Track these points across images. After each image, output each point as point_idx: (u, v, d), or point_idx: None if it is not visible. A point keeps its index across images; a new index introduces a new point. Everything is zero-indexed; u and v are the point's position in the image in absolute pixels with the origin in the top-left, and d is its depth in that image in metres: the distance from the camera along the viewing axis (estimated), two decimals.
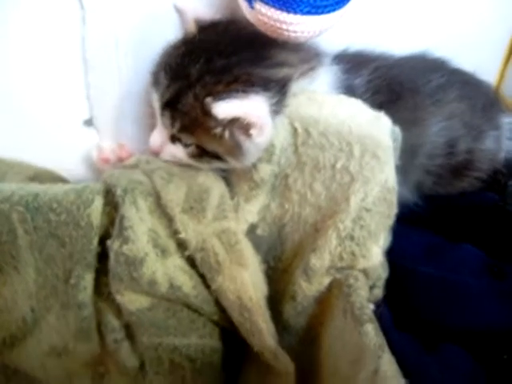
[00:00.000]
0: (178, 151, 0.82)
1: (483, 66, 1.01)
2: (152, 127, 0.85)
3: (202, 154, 0.80)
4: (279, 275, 0.85)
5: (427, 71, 0.94)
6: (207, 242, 0.79)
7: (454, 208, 0.91)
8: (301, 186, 0.81)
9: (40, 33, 0.83)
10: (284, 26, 0.70)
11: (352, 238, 0.78)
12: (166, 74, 0.79)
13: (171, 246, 0.81)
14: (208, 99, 0.74)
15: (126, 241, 0.78)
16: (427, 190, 0.93)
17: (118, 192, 0.80)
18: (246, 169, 0.82)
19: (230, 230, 0.79)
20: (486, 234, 0.87)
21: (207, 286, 0.80)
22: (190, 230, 0.79)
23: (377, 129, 0.78)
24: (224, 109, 0.73)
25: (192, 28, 0.83)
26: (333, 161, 0.78)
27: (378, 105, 0.82)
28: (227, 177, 0.85)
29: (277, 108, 0.77)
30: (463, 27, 1.02)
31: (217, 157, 0.80)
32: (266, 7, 0.69)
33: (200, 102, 0.75)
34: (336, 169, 0.78)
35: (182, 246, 0.80)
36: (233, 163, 0.80)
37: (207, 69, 0.76)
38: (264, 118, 0.75)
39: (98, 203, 0.81)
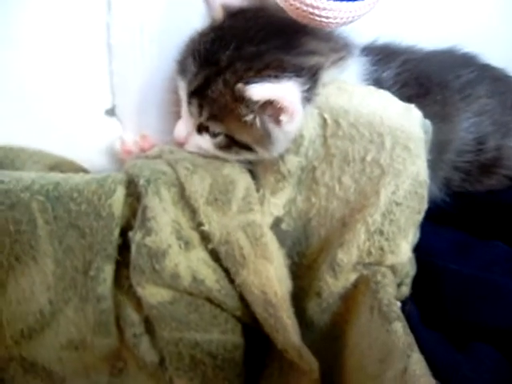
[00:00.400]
0: (204, 142, 0.80)
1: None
2: (176, 117, 0.83)
3: (231, 144, 0.78)
4: (304, 271, 0.83)
5: (457, 66, 0.92)
6: (232, 235, 0.77)
7: (483, 205, 0.89)
8: (329, 179, 0.79)
9: (65, 18, 0.81)
10: (316, 12, 0.68)
11: (381, 232, 0.76)
12: (194, 61, 0.77)
13: (195, 238, 0.78)
14: (239, 85, 0.73)
15: (148, 232, 0.76)
16: (455, 187, 0.91)
17: (141, 182, 0.78)
18: (273, 160, 0.80)
19: (255, 223, 0.77)
20: None
21: (231, 281, 0.78)
22: (214, 223, 0.77)
23: (408, 121, 0.76)
24: (258, 91, 0.72)
25: (219, 15, 0.82)
26: (363, 153, 0.76)
27: (407, 98, 0.79)
28: (253, 169, 0.83)
29: (308, 95, 0.75)
30: (492, 22, 1.00)
31: (245, 147, 0.78)
32: None
33: (230, 89, 0.74)
34: (366, 161, 0.76)
35: (205, 238, 0.78)
36: (261, 153, 0.78)
37: (237, 55, 0.75)
38: (295, 104, 0.73)
39: (120, 193, 0.79)
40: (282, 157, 0.80)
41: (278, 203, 0.81)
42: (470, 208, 0.89)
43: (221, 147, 0.79)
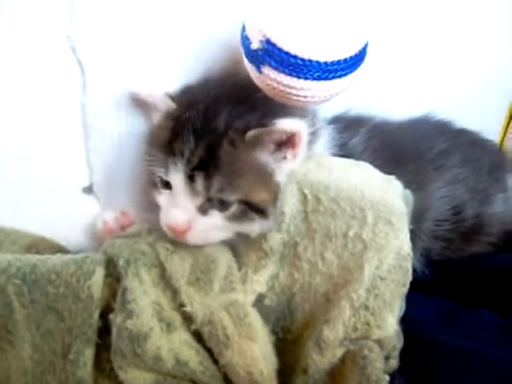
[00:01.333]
0: (212, 221, 0.77)
1: (487, 124, 0.99)
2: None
3: (246, 210, 0.76)
4: (288, 347, 0.80)
5: (430, 136, 0.93)
6: (215, 315, 0.74)
7: (467, 273, 0.88)
8: (311, 254, 0.78)
9: (40, 98, 0.80)
10: (294, 92, 0.67)
11: (366, 307, 0.74)
12: (187, 138, 0.75)
13: (176, 319, 0.76)
14: (250, 132, 0.73)
15: (129, 315, 0.74)
16: (436, 256, 0.90)
17: (121, 263, 0.76)
18: (255, 238, 0.79)
19: (238, 303, 0.75)
20: (502, 297, 0.83)
21: (215, 361, 0.75)
22: (196, 303, 0.75)
23: (389, 193, 0.75)
24: (283, 122, 0.72)
25: (168, 104, 0.81)
26: (345, 229, 0.75)
27: (379, 164, 0.79)
28: (234, 247, 0.81)
29: (312, 139, 0.78)
30: (466, 86, 1.00)
31: (260, 211, 0.76)
32: (275, 72, 0.67)
33: (240, 144, 0.74)
34: (348, 237, 0.75)
35: (187, 319, 0.76)
36: (272, 217, 0.77)
37: (232, 117, 0.75)
38: (305, 139, 0.75)
39: (99, 274, 0.77)
40: (263, 234, 0.79)
41: (260, 280, 0.80)
42: (453, 276, 0.88)
43: (235, 217, 0.76)
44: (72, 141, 0.83)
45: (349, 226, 0.75)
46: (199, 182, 0.74)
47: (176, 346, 0.74)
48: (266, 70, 0.67)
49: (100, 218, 0.88)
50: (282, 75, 0.66)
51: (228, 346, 0.73)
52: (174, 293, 0.77)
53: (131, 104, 0.83)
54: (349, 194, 0.74)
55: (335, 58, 0.65)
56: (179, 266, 0.76)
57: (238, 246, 0.81)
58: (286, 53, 0.65)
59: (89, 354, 0.77)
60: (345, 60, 0.66)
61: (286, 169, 0.77)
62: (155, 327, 0.74)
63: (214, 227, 0.77)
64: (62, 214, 0.89)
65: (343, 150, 0.82)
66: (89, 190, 0.87)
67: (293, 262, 0.79)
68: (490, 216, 0.92)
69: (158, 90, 0.81)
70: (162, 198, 0.79)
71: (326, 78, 0.66)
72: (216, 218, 0.77)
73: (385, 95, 0.94)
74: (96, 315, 0.77)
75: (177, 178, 0.75)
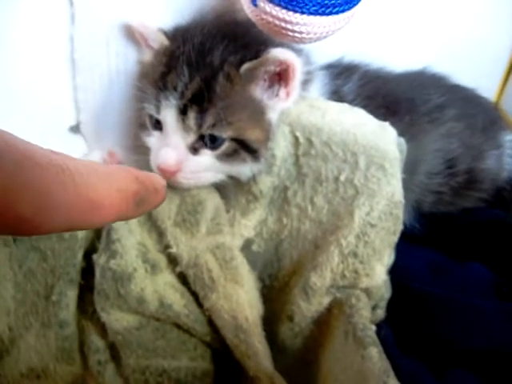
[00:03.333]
0: (203, 160, 0.74)
1: (483, 81, 0.96)
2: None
3: (238, 149, 0.73)
4: (275, 294, 0.78)
5: (425, 89, 0.89)
6: (200, 258, 0.72)
7: (458, 226, 0.86)
8: (301, 199, 0.75)
9: (26, 30, 0.75)
10: (289, 26, 0.64)
11: (355, 255, 0.71)
12: (181, 72, 0.72)
13: (162, 261, 0.74)
14: (245, 65, 0.71)
15: (113, 255, 0.72)
16: (427, 209, 0.88)
17: None
18: (244, 180, 0.76)
19: (224, 245, 0.73)
20: (492, 252, 0.81)
21: (199, 305, 0.73)
22: (182, 245, 0.73)
23: (383, 139, 0.72)
24: (278, 51, 0.70)
25: (162, 40, 0.78)
26: (336, 173, 0.72)
27: (370, 112, 0.76)
28: (223, 189, 0.78)
29: (306, 77, 0.75)
30: (462, 42, 0.97)
31: (252, 151, 0.74)
32: (271, 5, 0.63)
33: (235, 77, 0.72)
34: (339, 181, 0.72)
35: (173, 261, 0.74)
36: (262, 158, 0.75)
37: (227, 52, 0.73)
38: (299, 76, 0.73)
39: None
40: (253, 177, 0.76)
41: (248, 224, 0.77)
42: (443, 229, 0.85)
43: (227, 155, 0.73)
44: (59, 77, 0.79)
45: (340, 171, 0.72)
46: (192, 116, 0.71)
47: (160, 288, 0.72)
48: (262, 2, 0.63)
49: (86, 158, 0.85)
50: (278, 8, 0.63)
51: (213, 289, 0.71)
52: (160, 234, 0.75)
53: (122, 40, 0.79)
54: (341, 138, 0.71)
55: None
56: (165, 207, 0.74)
57: (226, 189, 0.78)
58: None
59: (72, 295, 0.76)
60: None
61: (279, 108, 0.74)
62: (139, 268, 0.72)
63: (204, 167, 0.74)
64: None
65: (335, 97, 0.79)
66: (76, 129, 0.84)
67: (282, 207, 0.77)
68: (482, 172, 0.89)
69: (152, 24, 0.78)
70: (152, 139, 0.77)
71: (323, 14, 0.62)
72: (207, 157, 0.74)
73: (379, 44, 0.90)
74: (79, 255, 0.75)
75: (169, 113, 0.72)
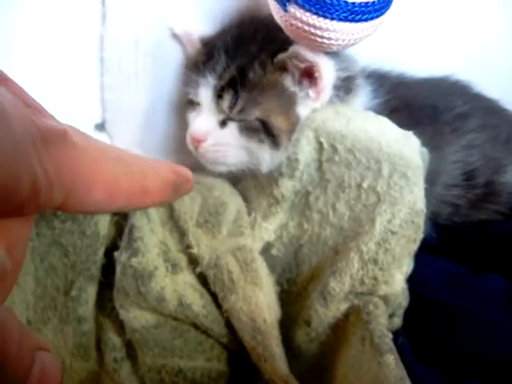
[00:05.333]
0: (227, 135, 0.77)
1: (506, 93, 0.95)
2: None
3: (259, 129, 0.76)
4: (292, 299, 0.78)
5: (449, 96, 0.89)
6: (221, 259, 0.72)
7: (474, 238, 0.84)
8: (323, 205, 0.74)
9: (58, 28, 0.75)
10: (318, 32, 0.64)
11: (375, 261, 0.71)
12: (219, 58, 0.77)
13: (182, 261, 0.74)
14: (279, 56, 0.74)
15: (135, 253, 0.71)
16: (443, 221, 0.86)
17: None
18: (266, 183, 0.76)
19: (245, 248, 0.73)
20: (509, 265, 0.80)
21: (218, 306, 0.72)
22: (203, 246, 0.72)
23: (406, 148, 0.71)
24: (306, 51, 0.72)
25: (198, 46, 0.83)
26: (359, 180, 0.72)
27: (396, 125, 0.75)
28: (244, 192, 0.78)
29: (345, 84, 0.77)
30: (485, 51, 0.96)
31: (272, 135, 0.76)
32: (301, 11, 0.63)
33: (269, 66, 0.75)
34: (362, 188, 0.72)
35: (193, 261, 0.73)
36: (282, 147, 0.76)
37: (266, 43, 0.76)
38: (330, 78, 0.75)
39: None
40: (275, 180, 0.75)
41: (269, 228, 0.77)
42: (460, 241, 0.84)
43: (248, 130, 0.76)
44: (87, 75, 0.79)
45: (363, 177, 0.71)
46: (226, 98, 0.76)
47: (180, 287, 0.72)
48: (292, 8, 0.64)
49: None
50: (308, 14, 0.63)
51: (232, 290, 0.70)
52: (182, 234, 0.74)
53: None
54: (366, 145, 0.71)
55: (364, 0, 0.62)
56: (188, 207, 0.74)
57: (248, 191, 0.79)
58: None
59: (91, 291, 0.75)
60: (373, 3, 0.62)
61: (309, 107, 0.76)
62: (160, 267, 0.72)
63: (228, 140, 0.77)
64: None
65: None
66: (101, 127, 0.83)
67: (303, 212, 0.76)
68: (501, 185, 0.88)
69: (194, 31, 0.82)
70: (192, 115, 0.81)
71: (352, 20, 0.62)
72: (232, 131, 0.77)
73: (401, 49, 0.89)
74: (101, 252, 0.75)
75: (205, 93, 0.78)
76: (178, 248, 0.74)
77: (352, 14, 0.62)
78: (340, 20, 0.62)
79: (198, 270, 0.73)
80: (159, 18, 0.79)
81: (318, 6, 0.62)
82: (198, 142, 0.77)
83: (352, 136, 0.71)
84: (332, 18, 0.62)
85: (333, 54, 0.74)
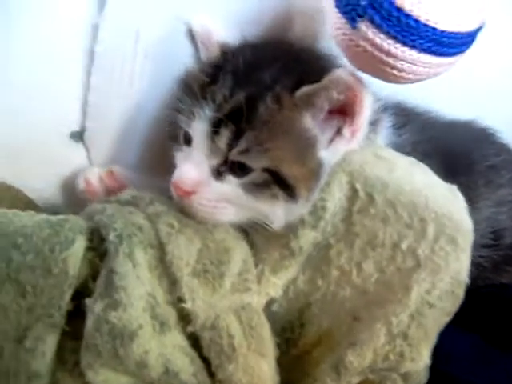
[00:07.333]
0: (226, 187, 0.60)
1: None
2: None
3: (270, 182, 0.60)
4: (292, 362, 0.65)
5: (481, 146, 0.77)
6: (221, 319, 0.58)
7: (495, 302, 0.74)
8: (346, 261, 0.61)
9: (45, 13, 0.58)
10: (390, 61, 0.51)
11: (405, 336, 0.59)
12: (223, 83, 0.61)
13: (171, 317, 0.59)
14: (303, 89, 0.59)
15: (114, 305, 0.56)
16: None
17: (111, 237, 0.58)
18: (281, 233, 0.62)
19: (251, 307, 0.60)
20: None
21: (211, 374, 0.58)
22: (199, 300, 0.58)
23: (455, 206, 0.60)
24: (343, 71, 0.57)
25: (216, 52, 0.67)
26: (396, 238, 0.59)
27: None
28: (251, 237, 0.63)
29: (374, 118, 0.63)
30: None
31: (287, 187, 0.60)
32: (375, 31, 0.50)
33: (286, 101, 0.60)
34: (399, 249, 0.59)
35: (184, 318, 0.59)
36: (301, 201, 0.60)
37: (284, 73, 0.61)
38: (368, 113, 0.60)
39: (80, 246, 0.58)
40: (294, 230, 0.61)
41: (278, 283, 0.63)
42: (481, 305, 0.73)
43: (255, 186, 0.60)
44: (69, 70, 0.62)
45: (402, 237, 0.59)
46: (224, 135, 0.59)
47: (168, 351, 0.57)
48: (364, 26, 0.50)
49: (82, 175, 0.69)
50: (383, 36, 0.50)
51: (232, 358, 0.57)
52: (173, 283, 0.59)
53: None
54: (411, 199, 0.58)
55: (454, 29, 0.49)
56: (184, 251, 0.59)
57: (255, 237, 0.63)
58: (399, 9, 0.48)
59: (51, 341, 0.59)
60: (463, 35, 0.50)
61: (340, 149, 0.61)
62: (146, 325, 0.57)
63: (226, 197, 0.61)
64: (39, 159, 0.68)
65: (393, 147, 0.66)
66: (78, 135, 0.66)
67: (319, 267, 0.63)
68: None
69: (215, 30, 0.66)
70: (180, 155, 0.64)
71: (435, 53, 0.50)
72: (230, 184, 0.60)
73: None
74: (68, 296, 0.58)
75: (200, 126, 0.61)
76: (167, 299, 0.59)
77: (438, 44, 0.50)
78: (422, 51, 0.50)
79: (190, 329, 0.58)
80: (169, 9, 0.62)
81: (398, 29, 0.49)
82: (185, 193, 0.61)
83: (395, 186, 0.58)
84: (413, 46, 0.50)
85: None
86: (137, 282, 0.57)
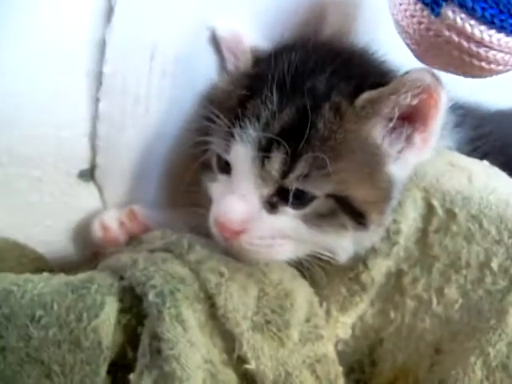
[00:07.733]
0: (282, 221, 0.51)
1: None
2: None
3: (336, 209, 0.51)
4: None
5: None
6: (293, 377, 0.49)
7: None
8: (423, 289, 0.53)
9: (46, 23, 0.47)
10: (481, 51, 0.42)
11: (505, 367, 0.51)
12: (269, 95, 0.51)
13: (232, 381, 0.49)
14: (364, 95, 0.51)
15: (167, 379, 0.46)
16: None
17: (151, 297, 0.49)
18: (349, 265, 0.53)
19: (327, 358, 0.51)
20: None
21: None
22: (264, 358, 0.49)
23: None
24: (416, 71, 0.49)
25: (248, 60, 0.58)
26: (483, 257, 0.51)
27: None
28: (309, 272, 0.54)
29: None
30: None
31: (356, 214, 0.51)
32: (465, 16, 0.41)
33: (343, 114, 0.51)
34: (488, 269, 0.51)
35: (249, 381, 0.49)
36: (372, 228, 0.51)
37: (341, 77, 0.53)
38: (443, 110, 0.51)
39: (111, 310, 0.49)
40: (364, 261, 0.53)
41: (347, 322, 0.55)
42: None
43: (318, 218, 0.51)
44: (73, 96, 0.52)
45: (491, 255, 0.51)
46: (276, 159, 0.50)
47: None
48: (450, 12, 0.42)
49: (98, 221, 0.59)
50: (475, 23, 0.42)
51: None
52: (228, 340, 0.49)
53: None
54: (498, 212, 0.50)
55: None
56: (239, 301, 0.50)
57: (315, 272, 0.54)
58: None
59: None
60: None
61: (411, 161, 0.52)
62: None
63: (281, 232, 0.52)
64: (44, 205, 0.57)
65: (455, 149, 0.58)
66: (88, 174, 0.55)
67: (390, 298, 0.55)
68: None
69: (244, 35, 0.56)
70: (216, 186, 0.55)
71: None
72: (287, 216, 0.51)
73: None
74: (103, 371, 0.49)
75: (243, 150, 0.51)
76: (223, 360, 0.49)
77: None
78: None
79: None
80: (188, 16, 0.51)
81: (493, 14, 0.39)
82: (233, 233, 0.51)
83: (478, 198, 0.50)
84: (509, 33, 0.40)
85: None
86: (191, 349, 0.47)
